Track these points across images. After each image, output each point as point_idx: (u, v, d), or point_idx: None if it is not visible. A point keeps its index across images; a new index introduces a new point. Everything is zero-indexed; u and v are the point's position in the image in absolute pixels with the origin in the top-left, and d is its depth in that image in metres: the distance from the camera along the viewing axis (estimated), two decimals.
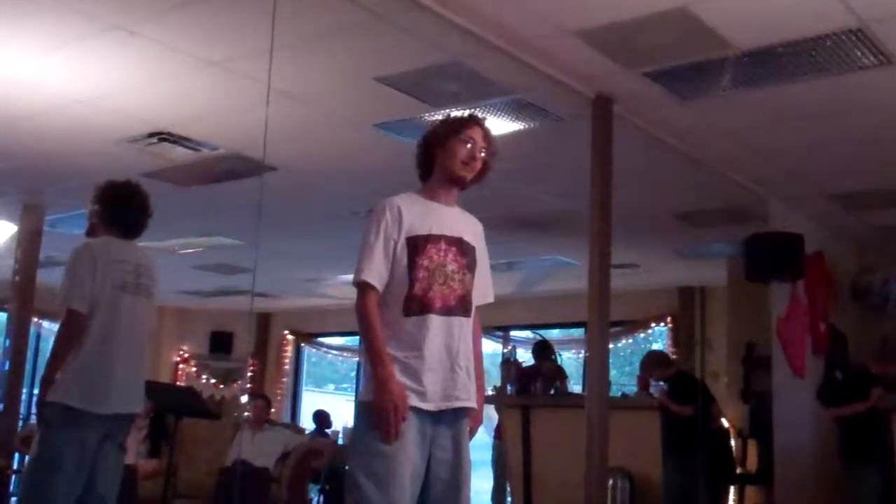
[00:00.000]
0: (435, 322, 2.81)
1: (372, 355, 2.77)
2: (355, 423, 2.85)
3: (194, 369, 14.18)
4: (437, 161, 2.99)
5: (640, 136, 5.78)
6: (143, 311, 4.13)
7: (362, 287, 2.83)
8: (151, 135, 6.20)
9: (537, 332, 10.14)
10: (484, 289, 3.02)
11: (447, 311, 2.84)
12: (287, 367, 14.22)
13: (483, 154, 3.01)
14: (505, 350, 11.85)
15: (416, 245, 2.84)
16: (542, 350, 9.08)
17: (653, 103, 5.38)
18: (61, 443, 3.81)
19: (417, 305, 2.81)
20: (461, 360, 2.86)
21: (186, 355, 14.27)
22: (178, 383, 13.44)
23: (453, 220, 2.97)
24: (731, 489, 8.67)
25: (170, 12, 4.43)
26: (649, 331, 11.46)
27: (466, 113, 3.13)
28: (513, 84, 5.18)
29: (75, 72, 5.20)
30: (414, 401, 2.75)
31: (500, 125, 5.72)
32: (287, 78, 5.06)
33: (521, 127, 5.80)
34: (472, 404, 2.90)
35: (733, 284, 9.21)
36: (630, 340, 11.76)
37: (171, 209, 7.16)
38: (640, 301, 10.94)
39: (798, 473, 7.26)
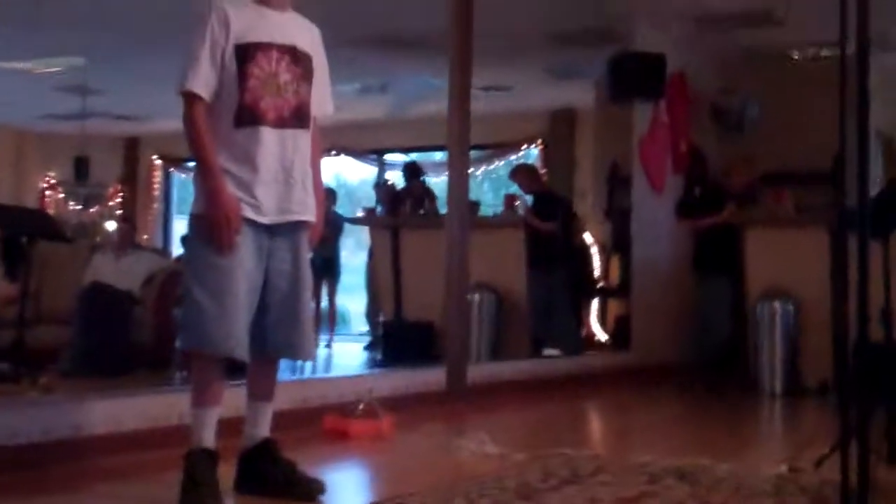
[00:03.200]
0: (267, 135, 2.72)
1: (202, 167, 2.69)
2: (189, 236, 2.81)
3: (62, 195, 13.75)
4: None
5: None
6: None
7: (188, 97, 2.70)
8: None
9: (411, 155, 10.12)
10: (321, 99, 2.92)
11: (280, 124, 2.75)
12: (157, 192, 13.94)
13: None
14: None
15: (246, 53, 2.71)
16: (412, 172, 9.13)
17: None
18: None
19: (248, 117, 2.71)
20: (296, 174, 2.79)
21: (54, 181, 13.80)
22: (47, 210, 13.02)
23: (286, 26, 2.82)
24: (594, 302, 9.06)
25: None
26: (520, 153, 11.58)
27: None
28: None
29: None
30: (248, 213, 2.71)
31: None
32: None
33: None
34: (309, 217, 2.86)
35: (600, 106, 9.29)
36: (503, 163, 11.86)
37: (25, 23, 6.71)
38: (512, 124, 11.05)
39: (654, 284, 7.61)
